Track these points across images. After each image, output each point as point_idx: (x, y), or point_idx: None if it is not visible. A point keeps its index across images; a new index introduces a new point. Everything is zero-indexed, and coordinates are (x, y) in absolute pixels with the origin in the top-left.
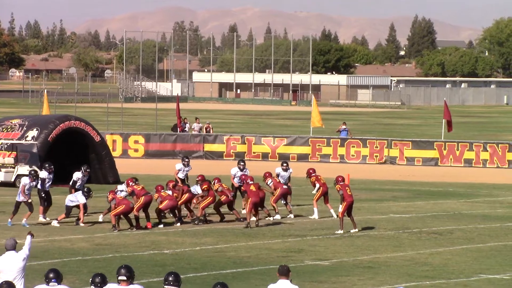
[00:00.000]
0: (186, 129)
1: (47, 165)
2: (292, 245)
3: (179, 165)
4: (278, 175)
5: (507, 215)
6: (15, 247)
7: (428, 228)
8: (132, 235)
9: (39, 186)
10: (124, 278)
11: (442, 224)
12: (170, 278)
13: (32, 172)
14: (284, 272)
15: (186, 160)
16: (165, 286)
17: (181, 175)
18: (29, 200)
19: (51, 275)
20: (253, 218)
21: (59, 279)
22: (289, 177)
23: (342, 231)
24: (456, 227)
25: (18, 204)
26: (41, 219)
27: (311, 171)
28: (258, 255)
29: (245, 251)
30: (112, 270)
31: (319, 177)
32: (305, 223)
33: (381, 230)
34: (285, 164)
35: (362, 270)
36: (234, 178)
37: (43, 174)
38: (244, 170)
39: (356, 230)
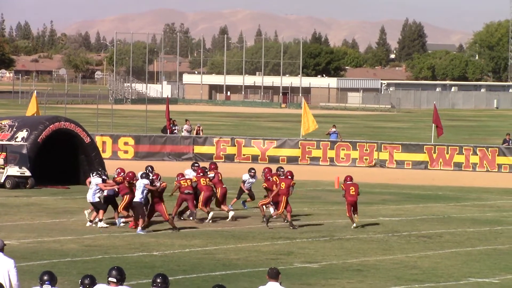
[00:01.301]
0: (176, 131)
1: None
2: (282, 247)
3: (245, 175)
4: (244, 182)
5: (497, 218)
6: (3, 248)
7: (417, 231)
8: (122, 237)
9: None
10: (115, 280)
11: (431, 227)
12: (158, 280)
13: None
14: (274, 275)
15: (253, 171)
16: None
17: (247, 185)
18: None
19: (45, 278)
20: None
21: (53, 282)
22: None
23: (354, 225)
24: (446, 231)
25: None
26: (101, 224)
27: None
28: (247, 257)
29: (234, 253)
30: (101, 271)
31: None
32: (295, 225)
33: (370, 233)
34: (253, 171)
35: (351, 273)
36: (244, 184)
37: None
38: (255, 177)
39: (354, 225)
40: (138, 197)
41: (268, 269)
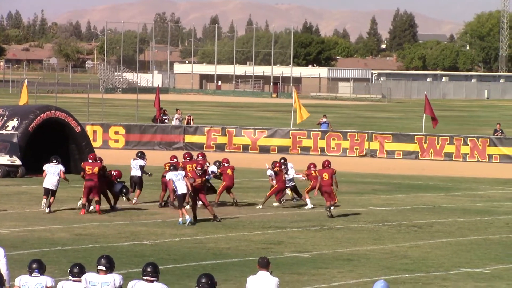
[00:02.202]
0: (166, 120)
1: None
2: (272, 237)
3: (213, 167)
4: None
5: (487, 209)
6: None
7: (407, 221)
8: (112, 226)
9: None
10: (104, 268)
11: (422, 217)
12: (149, 269)
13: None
14: (264, 264)
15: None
16: (143, 277)
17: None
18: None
19: (34, 266)
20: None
21: (42, 270)
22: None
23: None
24: (436, 221)
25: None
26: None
27: (311, 165)
28: (238, 246)
29: (225, 242)
30: (91, 260)
31: (312, 173)
32: (285, 215)
33: (361, 223)
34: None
35: (341, 263)
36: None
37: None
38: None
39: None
40: (182, 189)
41: (258, 259)
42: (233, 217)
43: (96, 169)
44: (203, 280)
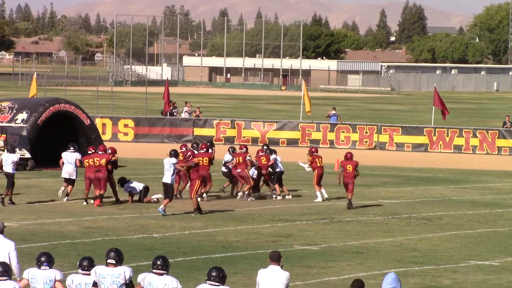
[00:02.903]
0: (176, 113)
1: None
2: (281, 229)
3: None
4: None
5: (496, 201)
6: (3, 230)
7: (417, 214)
8: (121, 219)
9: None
10: (113, 261)
11: (431, 210)
12: (158, 262)
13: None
14: (275, 258)
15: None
16: (153, 270)
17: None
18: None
19: (43, 259)
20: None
21: (50, 263)
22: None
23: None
24: (445, 213)
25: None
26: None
27: (313, 149)
28: (247, 239)
29: (234, 235)
30: (101, 253)
31: (317, 159)
32: (294, 208)
33: (370, 216)
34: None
35: (351, 255)
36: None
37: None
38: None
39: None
40: (169, 177)
41: (270, 252)
42: (243, 210)
43: (103, 161)
44: (214, 274)
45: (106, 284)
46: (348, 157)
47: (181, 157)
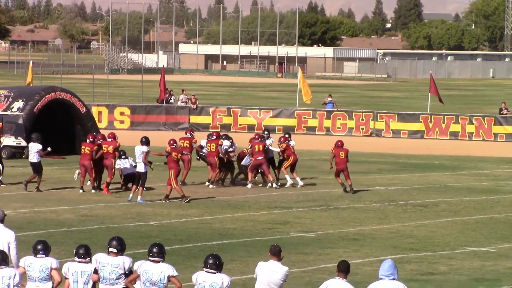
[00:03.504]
0: (172, 101)
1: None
2: (278, 217)
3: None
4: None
5: (493, 187)
6: (3, 219)
7: (413, 200)
8: (118, 207)
9: None
10: (115, 250)
11: (427, 196)
12: (155, 250)
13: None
14: (275, 252)
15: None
16: (149, 258)
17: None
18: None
19: (39, 247)
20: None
21: (47, 251)
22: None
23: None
24: (442, 200)
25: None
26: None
27: (285, 136)
28: (244, 227)
29: (231, 222)
30: (97, 241)
31: (290, 147)
32: (291, 195)
33: (366, 203)
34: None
35: (347, 242)
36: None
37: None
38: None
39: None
40: (142, 166)
41: (270, 246)
42: (239, 197)
43: (111, 148)
44: (211, 261)
45: (105, 273)
46: (339, 145)
47: (185, 145)
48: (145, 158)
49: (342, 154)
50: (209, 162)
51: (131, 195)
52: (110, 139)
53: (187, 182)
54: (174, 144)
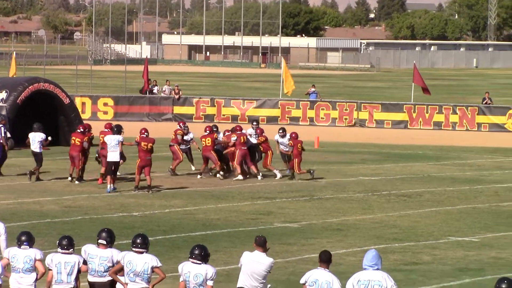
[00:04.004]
0: (155, 91)
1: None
2: (261, 207)
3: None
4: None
5: (476, 177)
6: None
7: (397, 190)
8: (101, 197)
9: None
10: (104, 242)
11: (411, 186)
12: (138, 241)
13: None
14: (260, 243)
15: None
16: (133, 248)
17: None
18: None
19: (23, 238)
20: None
21: (31, 242)
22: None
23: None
24: (425, 190)
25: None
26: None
27: (259, 130)
28: (227, 217)
29: (214, 213)
30: (80, 232)
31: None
32: (274, 185)
33: (350, 193)
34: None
35: (331, 233)
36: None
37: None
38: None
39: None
40: (117, 155)
41: (256, 237)
42: (223, 188)
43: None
44: (196, 252)
45: (94, 265)
46: (294, 136)
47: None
48: (121, 147)
49: (299, 146)
50: (205, 156)
51: (109, 186)
52: (144, 135)
53: (178, 173)
54: (146, 134)
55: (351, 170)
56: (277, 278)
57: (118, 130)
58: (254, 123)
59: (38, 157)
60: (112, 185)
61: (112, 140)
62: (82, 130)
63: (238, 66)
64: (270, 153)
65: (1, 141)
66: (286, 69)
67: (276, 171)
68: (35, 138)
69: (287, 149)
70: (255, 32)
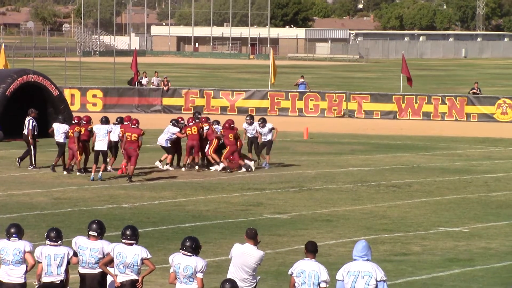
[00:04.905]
0: (144, 82)
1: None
2: (251, 198)
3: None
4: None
5: (466, 168)
6: None
7: (386, 181)
8: (91, 189)
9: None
10: (95, 234)
11: (400, 177)
12: (128, 232)
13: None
14: (251, 236)
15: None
16: (122, 240)
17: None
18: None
19: (12, 230)
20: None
21: (20, 234)
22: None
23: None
24: (415, 180)
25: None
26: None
27: (227, 124)
28: (217, 208)
29: (204, 204)
30: (70, 224)
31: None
32: (264, 176)
33: (339, 184)
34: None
35: (320, 224)
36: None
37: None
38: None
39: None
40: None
41: (246, 229)
42: (212, 179)
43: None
44: (187, 243)
45: (84, 256)
46: (227, 126)
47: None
48: (110, 137)
49: (231, 136)
50: (190, 146)
51: (93, 174)
52: (134, 126)
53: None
54: (137, 125)
55: (341, 161)
56: (267, 269)
57: (106, 120)
58: (247, 118)
59: (61, 148)
60: (99, 173)
61: (101, 130)
62: (76, 121)
63: (227, 57)
64: (215, 142)
65: (27, 133)
66: (273, 60)
67: (248, 162)
68: (60, 129)
69: (265, 138)
70: (244, 23)
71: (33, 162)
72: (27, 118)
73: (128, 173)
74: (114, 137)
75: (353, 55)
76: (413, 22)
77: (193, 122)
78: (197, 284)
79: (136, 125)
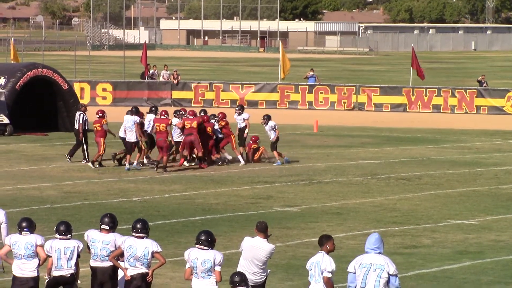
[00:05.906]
0: (154, 76)
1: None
2: (261, 191)
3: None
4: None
5: (475, 160)
6: None
7: (396, 174)
8: (101, 183)
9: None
10: (107, 227)
11: (410, 170)
12: (138, 226)
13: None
14: (261, 229)
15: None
16: (133, 233)
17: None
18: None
19: (24, 224)
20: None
21: (31, 228)
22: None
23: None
24: (425, 173)
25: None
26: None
27: (221, 115)
28: (227, 202)
29: (214, 198)
30: (80, 218)
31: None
32: (274, 169)
33: (349, 176)
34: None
35: (330, 216)
36: None
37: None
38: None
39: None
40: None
41: (256, 223)
42: (222, 172)
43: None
44: (203, 237)
45: (96, 249)
46: (206, 119)
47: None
48: (138, 127)
49: (209, 129)
50: (189, 141)
51: (128, 164)
52: (191, 116)
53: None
54: (166, 115)
55: (351, 154)
56: (277, 262)
57: (136, 110)
58: (237, 108)
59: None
60: (135, 162)
61: (128, 121)
62: (100, 114)
63: (236, 51)
64: (232, 137)
65: (78, 128)
66: (283, 54)
67: (239, 157)
68: (128, 121)
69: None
70: (253, 17)
71: (86, 156)
72: (78, 113)
73: (163, 164)
74: (148, 128)
75: (363, 48)
76: (423, 15)
77: (193, 116)
78: (215, 278)
79: (166, 115)
